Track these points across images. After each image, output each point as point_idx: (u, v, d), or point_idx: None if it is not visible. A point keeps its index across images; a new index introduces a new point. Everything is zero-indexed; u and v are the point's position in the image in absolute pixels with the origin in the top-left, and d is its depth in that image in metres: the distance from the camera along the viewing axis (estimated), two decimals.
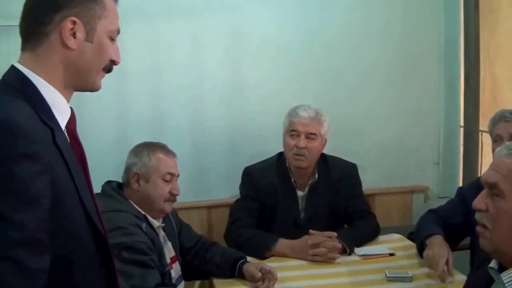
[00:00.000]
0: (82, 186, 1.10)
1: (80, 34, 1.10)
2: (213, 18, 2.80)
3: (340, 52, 2.98)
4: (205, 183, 2.87)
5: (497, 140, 2.08)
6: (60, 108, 1.10)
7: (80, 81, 1.15)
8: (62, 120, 1.11)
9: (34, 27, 1.09)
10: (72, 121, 1.15)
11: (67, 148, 1.08)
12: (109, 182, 2.03)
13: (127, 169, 2.00)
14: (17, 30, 1.13)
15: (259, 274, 1.95)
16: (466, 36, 2.93)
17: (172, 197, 1.99)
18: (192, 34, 2.79)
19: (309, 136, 2.33)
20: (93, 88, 1.18)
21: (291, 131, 2.35)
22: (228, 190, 2.82)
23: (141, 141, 2.11)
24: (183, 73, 2.79)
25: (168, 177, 1.97)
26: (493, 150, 2.06)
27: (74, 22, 1.08)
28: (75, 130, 1.16)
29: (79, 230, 1.08)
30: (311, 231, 2.20)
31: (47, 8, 1.08)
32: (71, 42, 1.09)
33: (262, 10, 2.86)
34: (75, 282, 1.07)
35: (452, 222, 2.11)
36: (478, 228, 1.25)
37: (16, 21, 1.14)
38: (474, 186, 2.11)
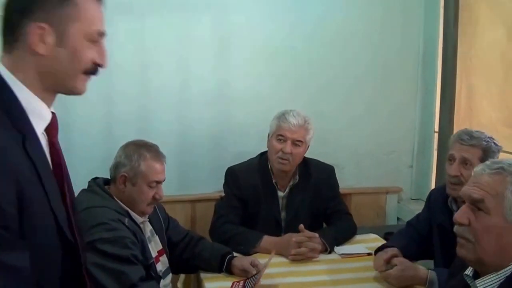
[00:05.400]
0: (54, 195, 1.06)
1: (51, 40, 1.05)
2: (201, 18, 2.82)
3: (324, 55, 3.05)
4: (190, 178, 2.91)
5: (450, 159, 2.02)
6: (37, 113, 1.06)
7: (58, 85, 1.11)
8: (39, 126, 1.07)
9: (8, 32, 1.06)
10: (52, 127, 1.10)
11: (40, 155, 1.04)
12: (95, 178, 2.02)
13: (116, 167, 1.98)
14: None
15: (254, 271, 2.00)
16: (444, 47, 2.99)
17: (155, 201, 2.01)
18: (180, 34, 2.81)
19: (296, 142, 2.37)
20: (75, 92, 1.13)
21: (279, 135, 2.38)
22: (212, 185, 2.88)
23: (128, 138, 2.08)
24: (170, 72, 2.81)
25: (154, 184, 1.97)
26: (447, 169, 2.02)
27: (42, 28, 1.03)
28: (55, 136, 1.12)
29: (48, 241, 1.04)
30: (300, 226, 2.26)
31: (16, 13, 1.04)
32: (41, 48, 1.04)
33: (249, 12, 2.90)
34: None
35: (425, 233, 2.25)
36: (459, 240, 1.31)
37: None
38: (440, 191, 2.19)
